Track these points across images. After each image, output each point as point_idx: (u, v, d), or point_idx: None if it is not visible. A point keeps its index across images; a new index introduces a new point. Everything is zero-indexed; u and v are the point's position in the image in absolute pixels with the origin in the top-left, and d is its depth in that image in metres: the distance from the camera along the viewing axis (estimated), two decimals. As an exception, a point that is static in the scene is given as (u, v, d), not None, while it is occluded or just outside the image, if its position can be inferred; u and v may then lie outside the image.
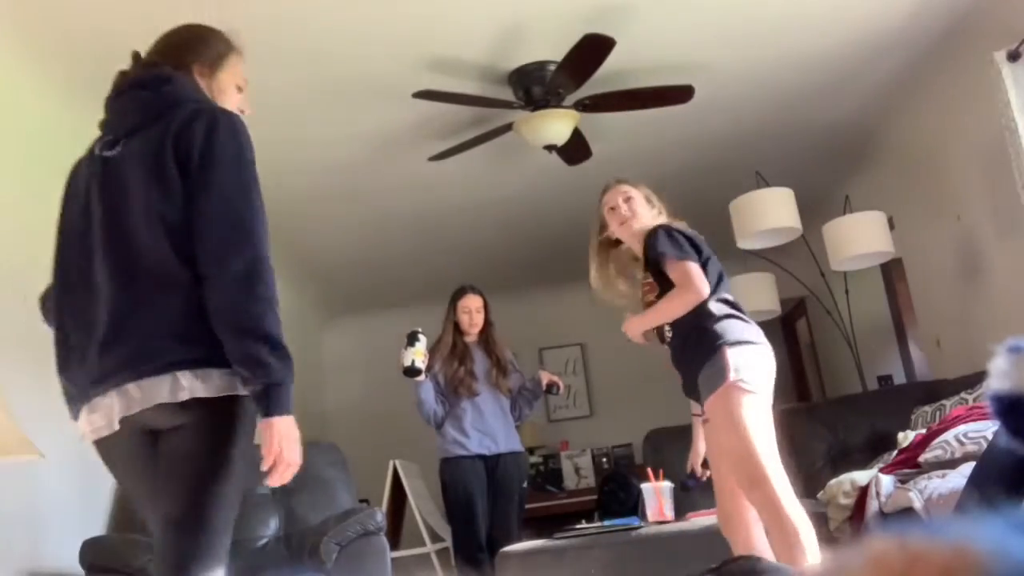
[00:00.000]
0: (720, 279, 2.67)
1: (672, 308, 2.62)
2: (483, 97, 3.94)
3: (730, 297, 2.68)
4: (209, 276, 1.68)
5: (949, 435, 3.22)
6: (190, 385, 1.65)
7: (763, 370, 2.51)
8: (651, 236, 2.69)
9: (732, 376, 2.42)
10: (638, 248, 2.79)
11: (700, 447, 2.89)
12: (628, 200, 2.84)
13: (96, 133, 2.02)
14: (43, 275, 3.54)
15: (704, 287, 2.56)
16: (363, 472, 5.10)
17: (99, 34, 3.33)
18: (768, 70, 4.26)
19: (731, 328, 2.53)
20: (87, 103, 3.79)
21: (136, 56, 1.99)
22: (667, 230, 2.68)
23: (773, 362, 2.56)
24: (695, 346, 2.58)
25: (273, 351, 1.65)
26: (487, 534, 4.03)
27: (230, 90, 1.99)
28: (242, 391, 1.69)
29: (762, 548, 2.50)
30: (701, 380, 2.54)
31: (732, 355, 2.46)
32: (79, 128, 3.83)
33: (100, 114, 2.02)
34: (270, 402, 1.65)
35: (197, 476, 1.69)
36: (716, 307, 2.59)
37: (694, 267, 2.59)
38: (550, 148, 4.11)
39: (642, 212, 2.82)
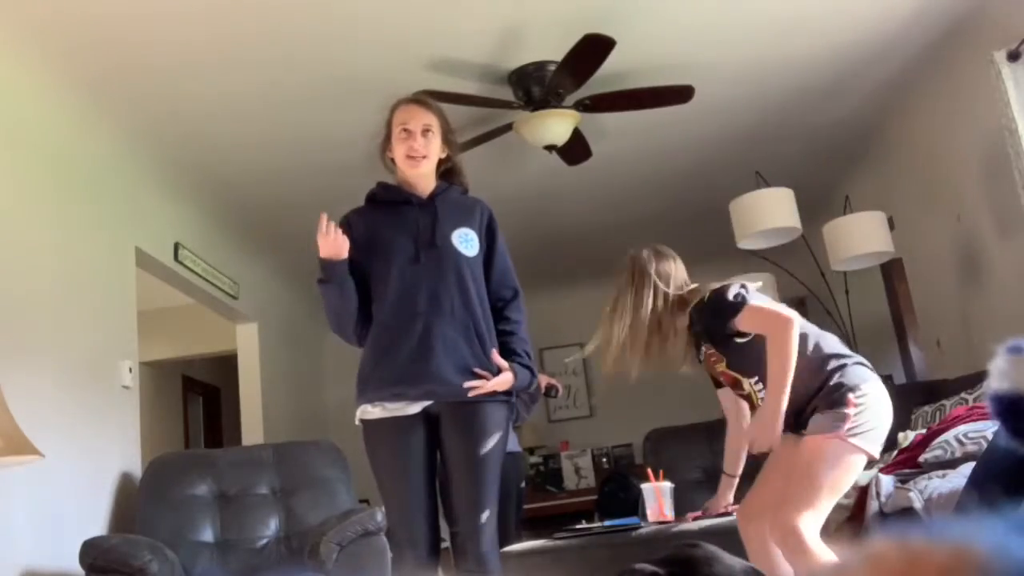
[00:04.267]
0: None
1: (782, 364, 2.27)
2: (483, 97, 3.94)
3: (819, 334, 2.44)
4: None
5: (949, 435, 3.22)
6: None
7: (881, 420, 2.30)
8: (700, 311, 2.46)
9: (845, 431, 2.24)
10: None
11: (721, 503, 2.83)
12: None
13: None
14: (42, 274, 3.52)
15: (787, 312, 2.32)
16: (363, 472, 5.09)
17: (102, 35, 3.33)
18: (768, 70, 4.26)
19: (849, 372, 2.32)
20: (89, 103, 3.80)
21: None
22: (714, 299, 2.42)
23: (887, 400, 2.34)
24: (808, 388, 2.32)
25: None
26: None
27: (394, 143, 2.50)
28: (361, 417, 2.42)
29: (777, 558, 2.45)
30: (815, 419, 2.31)
31: (855, 404, 2.27)
32: (80, 127, 3.84)
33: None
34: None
35: None
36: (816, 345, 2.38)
37: (761, 305, 2.36)
38: (550, 148, 4.11)
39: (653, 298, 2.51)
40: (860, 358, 2.42)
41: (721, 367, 2.51)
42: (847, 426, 2.25)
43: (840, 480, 2.30)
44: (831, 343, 2.46)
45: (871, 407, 2.29)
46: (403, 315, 2.36)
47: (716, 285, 2.47)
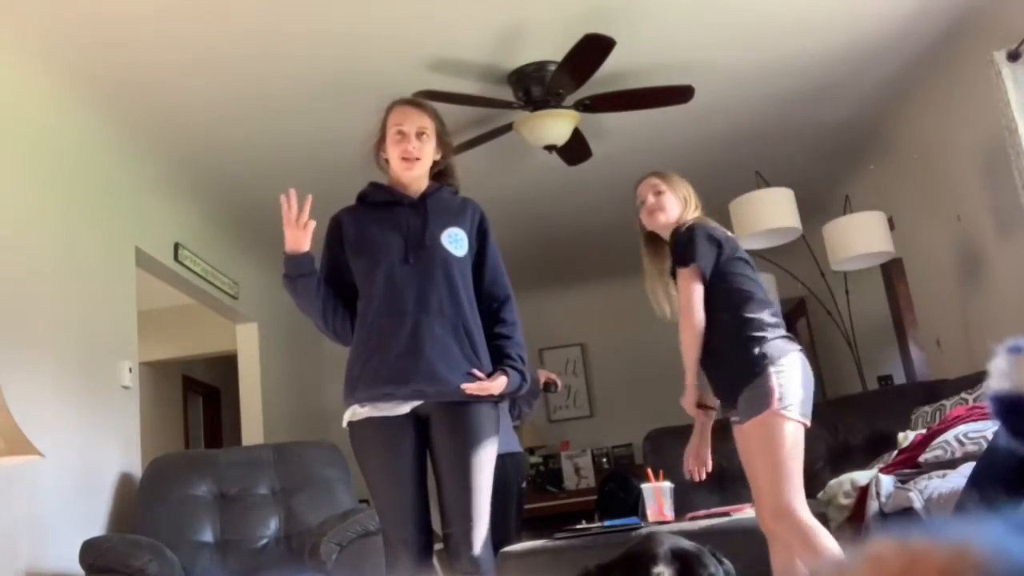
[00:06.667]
0: (748, 282, 2.54)
1: (686, 345, 2.49)
2: (483, 97, 3.94)
3: (761, 298, 2.54)
4: None
5: (949, 435, 3.22)
6: None
7: (802, 386, 2.41)
8: (675, 235, 2.60)
9: (776, 404, 2.35)
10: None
11: (696, 442, 2.75)
12: (659, 194, 2.76)
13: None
14: (42, 274, 3.52)
15: (697, 314, 2.46)
16: (363, 472, 5.10)
17: (102, 34, 3.33)
18: (768, 70, 4.26)
19: (773, 345, 2.42)
20: (88, 102, 3.80)
21: None
22: (692, 230, 2.56)
23: (809, 369, 2.47)
24: (732, 362, 2.46)
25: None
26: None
27: (388, 144, 2.52)
28: (349, 419, 2.40)
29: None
30: (743, 400, 2.43)
31: (776, 378, 2.37)
32: (80, 127, 3.84)
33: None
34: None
35: None
36: (753, 318, 2.47)
37: (694, 287, 2.48)
38: (550, 148, 4.11)
39: (671, 206, 2.72)
40: (783, 331, 2.50)
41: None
42: (776, 402, 2.35)
43: (794, 451, 2.37)
44: (761, 313, 2.51)
45: (792, 379, 2.39)
46: (391, 314, 2.36)
47: (700, 223, 2.64)
